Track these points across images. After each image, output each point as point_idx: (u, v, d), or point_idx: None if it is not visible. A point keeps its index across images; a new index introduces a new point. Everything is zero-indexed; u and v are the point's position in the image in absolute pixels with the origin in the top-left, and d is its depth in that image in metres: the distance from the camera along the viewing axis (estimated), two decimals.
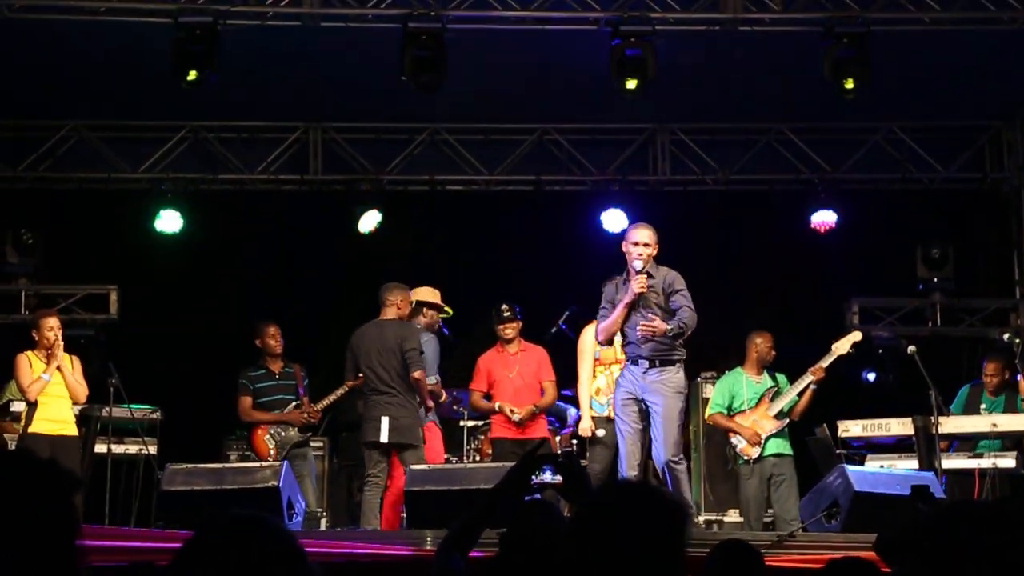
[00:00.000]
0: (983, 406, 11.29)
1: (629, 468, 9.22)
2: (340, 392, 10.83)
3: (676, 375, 9.41)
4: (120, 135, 13.10)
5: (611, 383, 10.33)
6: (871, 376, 12.87)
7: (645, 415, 9.31)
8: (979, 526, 2.60)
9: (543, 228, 13.09)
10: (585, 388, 10.64)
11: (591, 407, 10.59)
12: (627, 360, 9.49)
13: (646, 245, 9.40)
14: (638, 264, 9.32)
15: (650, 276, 9.39)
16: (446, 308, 10.91)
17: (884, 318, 13.11)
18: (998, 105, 13.11)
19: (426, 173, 13.36)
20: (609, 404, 10.26)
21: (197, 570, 2.34)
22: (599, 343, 9.96)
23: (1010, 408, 11.22)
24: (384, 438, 9.74)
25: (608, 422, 10.25)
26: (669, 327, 9.14)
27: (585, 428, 10.56)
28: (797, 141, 13.22)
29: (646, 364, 9.30)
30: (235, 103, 12.49)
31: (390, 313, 10.17)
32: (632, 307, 9.32)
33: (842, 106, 11.69)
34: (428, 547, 7.44)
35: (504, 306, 10.97)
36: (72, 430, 9.98)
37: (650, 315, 9.25)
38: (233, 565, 2.33)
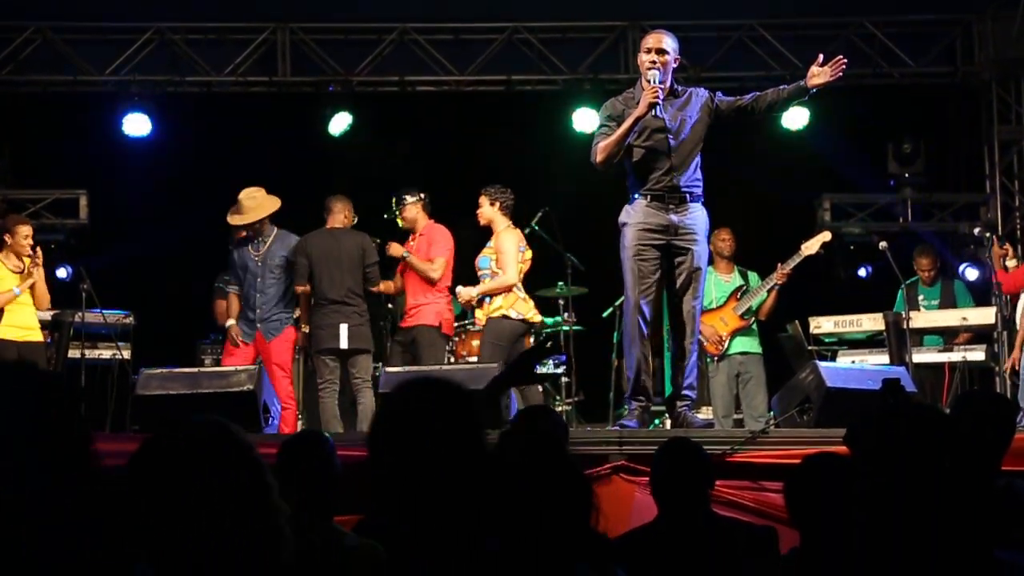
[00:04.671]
0: (921, 297, 11.48)
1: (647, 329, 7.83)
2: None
3: (705, 217, 8.00)
4: (85, 37, 12.91)
5: None
6: (863, 272, 12.92)
7: (663, 266, 7.83)
8: (910, 424, 2.84)
9: (515, 128, 13.01)
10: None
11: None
12: (640, 197, 7.87)
13: (660, 52, 7.78)
14: (652, 74, 7.70)
15: (675, 94, 7.85)
16: None
17: (855, 214, 13.15)
18: None
19: (396, 74, 13.24)
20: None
21: (151, 474, 2.33)
22: (594, 163, 7.97)
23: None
24: (344, 344, 9.77)
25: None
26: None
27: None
28: (769, 37, 13.11)
29: (677, 199, 7.82)
30: (201, 4, 12.32)
31: (338, 222, 10.13)
32: (662, 132, 7.74)
33: (813, 2, 11.60)
34: None
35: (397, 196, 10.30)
36: (38, 336, 9.98)
37: (683, 139, 7.78)
38: (189, 469, 2.31)
